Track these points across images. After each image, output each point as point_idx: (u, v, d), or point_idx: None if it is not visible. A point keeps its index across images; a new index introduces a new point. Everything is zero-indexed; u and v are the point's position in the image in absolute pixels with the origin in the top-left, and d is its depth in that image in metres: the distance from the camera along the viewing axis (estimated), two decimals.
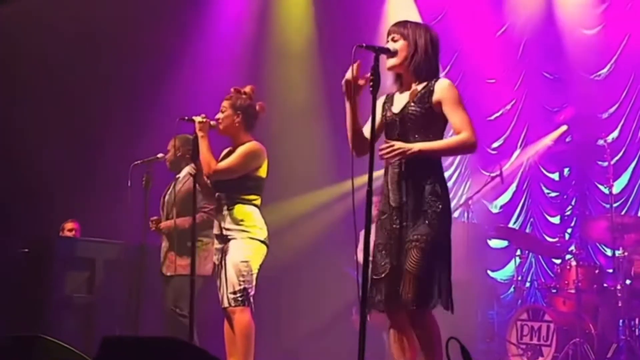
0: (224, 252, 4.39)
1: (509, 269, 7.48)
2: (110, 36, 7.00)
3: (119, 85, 7.31)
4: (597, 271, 6.04)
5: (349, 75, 3.32)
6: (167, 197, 5.48)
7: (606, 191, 6.53)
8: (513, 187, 8.03)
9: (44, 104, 6.99)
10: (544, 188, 7.90)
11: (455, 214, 6.70)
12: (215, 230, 4.48)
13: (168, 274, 5.26)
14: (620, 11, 7.31)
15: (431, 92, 3.39)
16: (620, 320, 5.78)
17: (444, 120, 3.43)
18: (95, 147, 7.19)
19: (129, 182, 5.09)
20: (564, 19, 7.70)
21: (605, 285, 5.99)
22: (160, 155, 5.29)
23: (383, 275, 3.37)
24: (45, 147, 6.90)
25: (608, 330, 5.89)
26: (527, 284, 7.34)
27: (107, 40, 7.03)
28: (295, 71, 8.12)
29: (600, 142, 6.61)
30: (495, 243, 7.79)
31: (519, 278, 6.77)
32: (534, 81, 7.96)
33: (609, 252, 6.68)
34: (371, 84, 3.23)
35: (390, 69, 3.50)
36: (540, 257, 7.55)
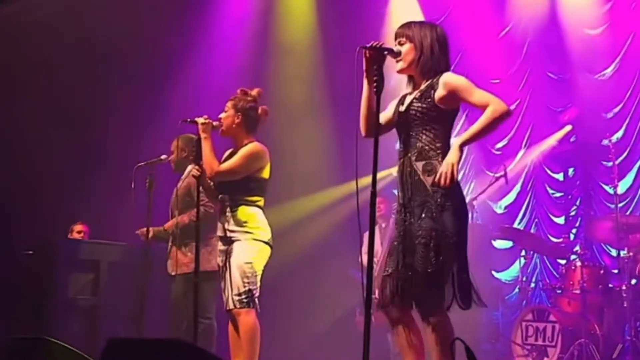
0: (228, 254, 4.38)
1: (514, 269, 7.46)
2: (113, 37, 7.01)
3: (121, 86, 7.31)
4: (602, 271, 6.03)
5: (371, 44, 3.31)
6: (172, 200, 5.50)
7: (611, 191, 6.50)
8: (517, 188, 8.01)
9: (47, 107, 7.00)
10: (548, 188, 7.88)
11: None
12: (219, 232, 4.47)
13: (173, 273, 5.26)
14: (624, 11, 7.29)
15: (434, 88, 3.39)
16: (626, 321, 5.75)
17: (450, 115, 3.43)
18: (99, 149, 7.20)
19: (133, 184, 5.09)
20: (567, 18, 7.68)
21: (610, 285, 5.97)
22: (163, 156, 5.30)
23: (391, 271, 3.37)
24: (48, 149, 6.91)
25: (613, 330, 5.87)
26: (532, 285, 7.32)
27: (110, 42, 7.04)
28: (299, 72, 8.12)
29: (605, 142, 6.60)
30: (499, 243, 7.77)
31: (524, 279, 6.76)
32: (538, 81, 7.94)
33: (614, 253, 6.66)
34: (375, 84, 3.25)
35: (400, 72, 3.52)
36: (545, 257, 7.53)
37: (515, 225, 7.78)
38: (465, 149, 3.39)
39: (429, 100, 3.38)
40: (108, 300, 5.82)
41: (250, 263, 4.33)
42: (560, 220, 7.73)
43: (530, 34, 7.94)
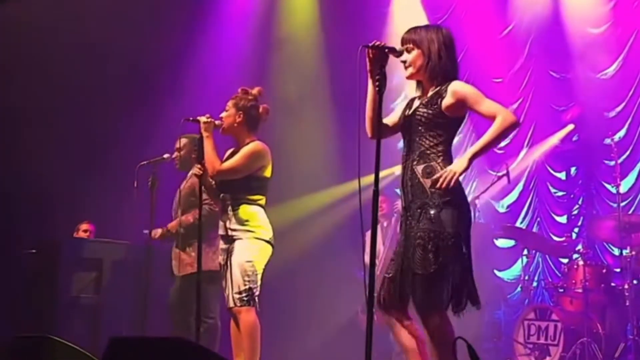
0: (229, 253, 4.39)
1: (516, 268, 7.45)
2: (116, 37, 7.01)
3: (124, 85, 7.31)
4: (604, 270, 6.02)
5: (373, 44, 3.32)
6: (175, 199, 5.51)
7: (613, 190, 6.50)
8: (520, 187, 8.00)
9: (50, 106, 7.00)
10: (550, 187, 7.87)
11: None
12: (221, 231, 4.48)
13: (177, 273, 5.27)
14: (627, 9, 7.27)
15: (442, 96, 3.39)
16: (628, 320, 5.75)
17: (456, 122, 3.44)
18: (102, 148, 7.20)
19: (136, 183, 5.10)
20: (570, 17, 7.67)
21: (612, 284, 5.97)
22: (166, 155, 5.30)
23: (392, 274, 3.38)
24: (52, 148, 6.92)
25: (616, 329, 5.87)
26: (534, 284, 7.31)
27: (114, 41, 7.04)
28: (301, 71, 8.12)
29: (607, 141, 6.59)
30: (502, 242, 7.76)
31: (526, 277, 6.76)
32: (541, 80, 7.93)
33: (616, 252, 6.65)
34: (377, 84, 3.25)
35: (409, 78, 3.53)
36: (547, 256, 7.52)
37: (518, 224, 7.77)
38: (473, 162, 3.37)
39: (435, 107, 3.38)
40: (111, 298, 5.83)
41: (251, 262, 4.34)
42: (563, 219, 7.73)
43: (532, 32, 7.93)
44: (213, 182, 4.54)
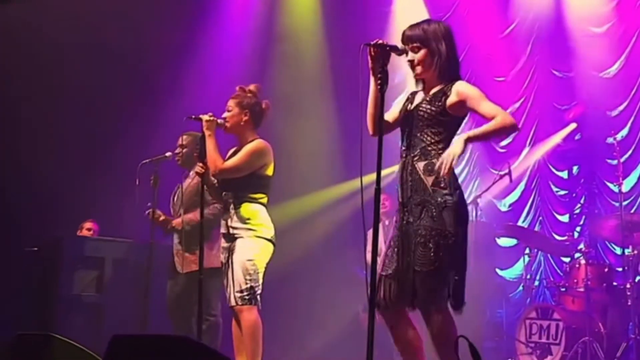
0: (230, 251, 4.39)
1: (518, 267, 7.45)
2: (119, 35, 7.01)
3: (127, 83, 7.31)
4: (606, 270, 6.02)
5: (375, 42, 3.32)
6: (176, 195, 5.50)
7: (615, 189, 6.49)
8: (522, 186, 8.00)
9: (52, 104, 7.01)
10: (552, 186, 7.87)
11: None
12: (222, 229, 4.48)
13: (180, 271, 5.27)
14: (629, 8, 7.27)
15: (446, 94, 3.39)
16: (630, 319, 5.75)
17: (457, 121, 3.44)
18: (104, 147, 7.21)
19: (137, 181, 5.10)
20: (572, 16, 7.67)
21: (614, 283, 5.96)
22: (168, 153, 5.30)
23: (390, 272, 3.37)
24: (54, 147, 6.93)
25: (617, 329, 5.87)
26: (536, 283, 7.31)
27: (116, 40, 7.04)
28: (302, 69, 8.12)
29: (610, 140, 6.58)
30: (504, 241, 7.76)
31: (528, 276, 6.75)
32: (543, 79, 7.93)
33: (618, 251, 6.64)
34: (379, 81, 3.25)
35: (418, 77, 3.51)
36: (549, 255, 7.52)
37: (520, 223, 7.77)
38: (470, 146, 3.39)
39: (439, 104, 3.39)
40: (113, 297, 5.82)
41: (253, 260, 4.33)
42: (565, 219, 7.72)
43: (535, 31, 7.93)
44: (215, 181, 4.54)
